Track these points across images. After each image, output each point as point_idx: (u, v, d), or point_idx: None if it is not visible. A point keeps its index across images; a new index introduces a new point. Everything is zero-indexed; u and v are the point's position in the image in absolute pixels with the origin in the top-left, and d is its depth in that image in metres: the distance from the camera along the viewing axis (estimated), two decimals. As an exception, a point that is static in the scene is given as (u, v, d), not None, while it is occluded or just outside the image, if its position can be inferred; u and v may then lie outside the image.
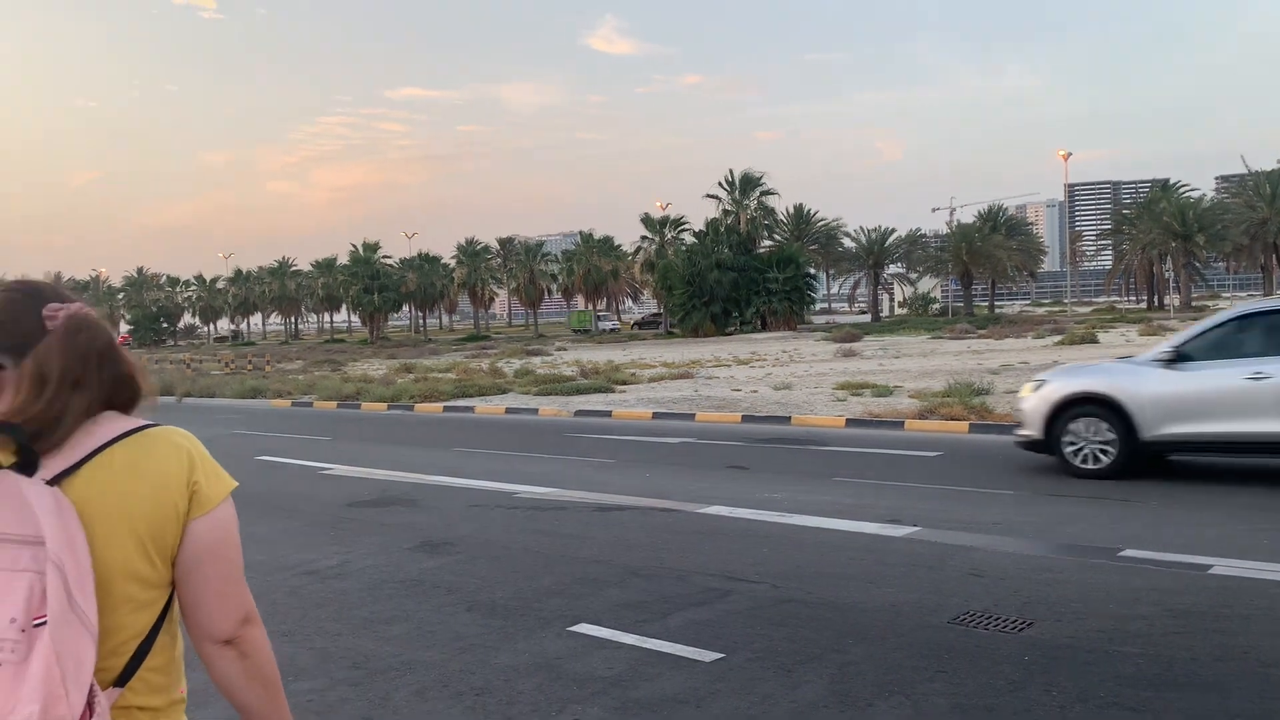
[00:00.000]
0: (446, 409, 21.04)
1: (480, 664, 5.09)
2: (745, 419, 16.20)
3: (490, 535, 8.21)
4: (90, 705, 1.37)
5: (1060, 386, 9.93)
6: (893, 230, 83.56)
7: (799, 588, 6.30)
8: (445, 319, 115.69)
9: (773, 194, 68.66)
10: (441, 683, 4.85)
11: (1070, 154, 65.53)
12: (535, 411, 19.36)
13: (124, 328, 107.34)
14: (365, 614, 6.06)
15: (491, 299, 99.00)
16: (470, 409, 20.58)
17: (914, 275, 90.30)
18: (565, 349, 49.16)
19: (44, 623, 1.33)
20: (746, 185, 67.78)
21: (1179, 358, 9.31)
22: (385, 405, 22.32)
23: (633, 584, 6.50)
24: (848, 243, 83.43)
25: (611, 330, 79.72)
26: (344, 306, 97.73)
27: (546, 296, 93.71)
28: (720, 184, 68.53)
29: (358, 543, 8.10)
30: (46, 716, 1.30)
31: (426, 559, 7.44)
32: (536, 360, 37.59)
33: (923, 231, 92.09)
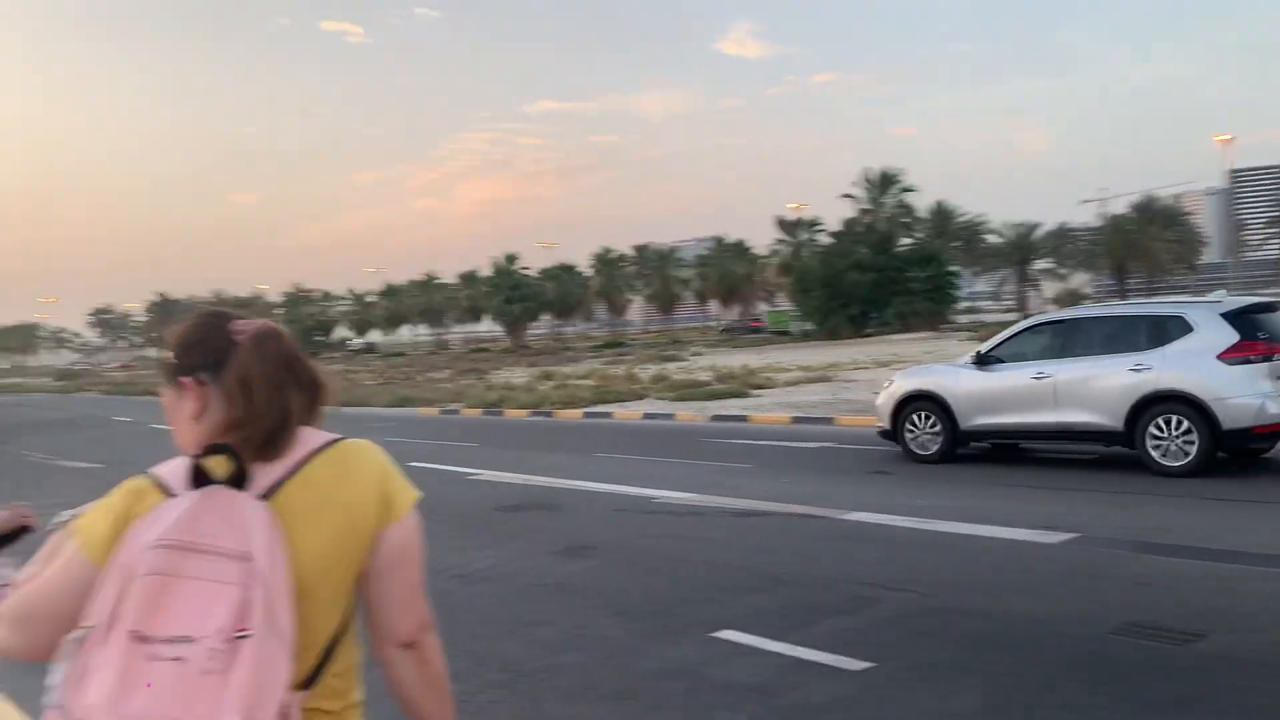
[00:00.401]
0: (586, 415, 21.34)
1: (625, 668, 5.13)
2: (887, 422, 15.84)
3: (631, 540, 8.28)
4: (284, 716, 1.43)
5: (901, 385, 11.93)
6: (1039, 224, 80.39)
7: (949, 596, 6.12)
8: (582, 326, 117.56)
9: (911, 190, 67.13)
10: (588, 686, 4.91)
11: (1231, 138, 61.76)
12: (672, 416, 19.43)
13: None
14: (513, 617, 6.20)
15: (627, 306, 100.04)
16: (609, 414, 20.81)
17: (1063, 271, 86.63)
18: (700, 354, 49.18)
19: (247, 635, 1.39)
20: (884, 183, 66.46)
21: (987, 360, 11.16)
22: (527, 412, 22.79)
23: (775, 590, 6.44)
24: (992, 238, 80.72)
25: (749, 333, 79.26)
26: (487, 317, 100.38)
27: (680, 302, 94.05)
28: (856, 183, 67.43)
29: (504, 547, 8.29)
30: None
31: (570, 563, 7.56)
32: (672, 366, 37.70)
33: (1071, 225, 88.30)
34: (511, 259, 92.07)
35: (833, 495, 9.64)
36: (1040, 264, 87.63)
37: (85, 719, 1.38)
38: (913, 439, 11.58)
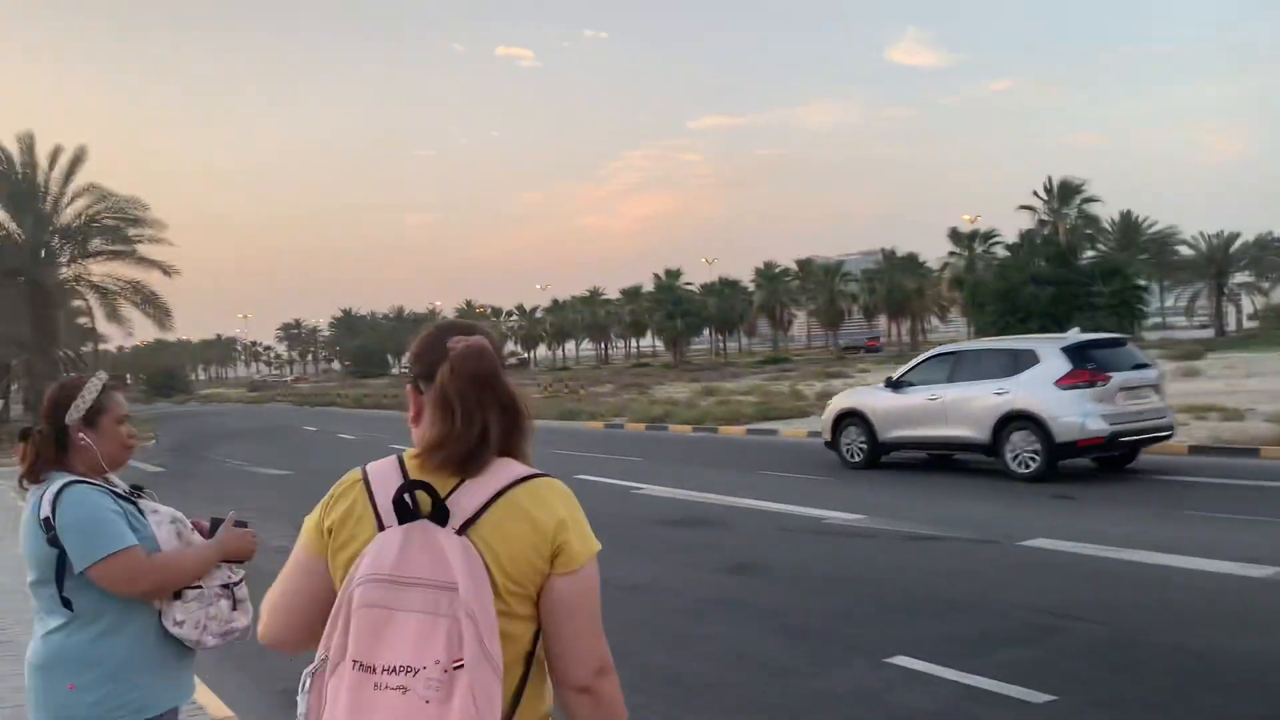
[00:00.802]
0: (749, 431, 21.22)
1: (793, 690, 5.05)
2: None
3: (799, 560, 8.15)
4: None
5: (838, 403, 14.50)
6: (1238, 234, 75.19)
7: (1139, 629, 5.75)
8: (744, 342, 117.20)
9: (1094, 201, 63.87)
10: (754, 705, 4.86)
11: None
12: (840, 434, 19.07)
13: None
14: (679, 632, 6.20)
15: (790, 321, 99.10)
16: (774, 431, 20.63)
17: (1265, 284, 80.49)
18: (868, 370, 48.21)
19: (461, 666, 1.44)
20: (1065, 193, 63.56)
21: (899, 384, 13.42)
22: (691, 428, 22.86)
23: (950, 616, 6.21)
24: (1184, 250, 75.96)
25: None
26: (649, 332, 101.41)
27: (847, 317, 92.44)
28: (1035, 193, 64.69)
29: (668, 561, 8.32)
30: None
31: (735, 581, 7.51)
32: (837, 382, 37.09)
33: (1275, 235, 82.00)
34: (674, 274, 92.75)
35: (1009, 520, 9.24)
36: (1239, 277, 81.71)
37: None
38: (846, 448, 13.97)
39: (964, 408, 12.31)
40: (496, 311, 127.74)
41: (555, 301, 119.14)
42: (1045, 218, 64.19)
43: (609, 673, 1.67)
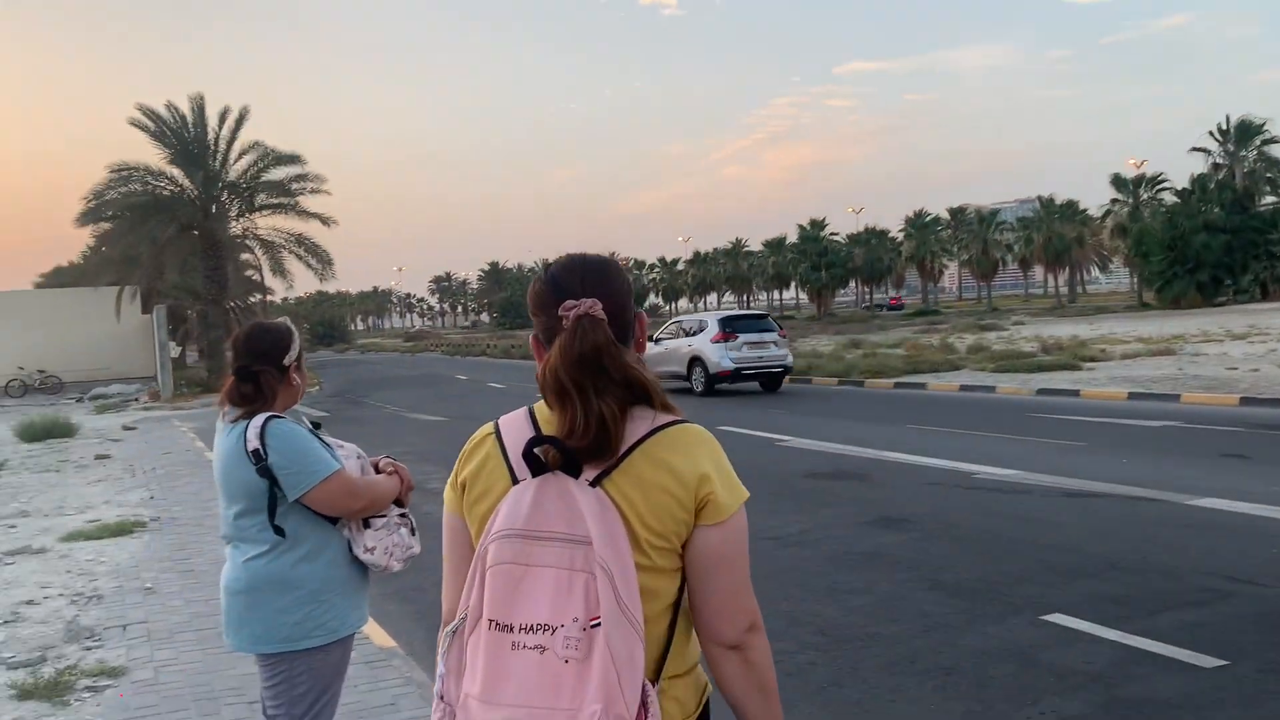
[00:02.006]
0: (897, 385, 20.82)
1: (947, 644, 5.00)
2: (1244, 401, 14.26)
3: (949, 515, 8.01)
4: (644, 704, 1.42)
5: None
6: None
7: (1322, 597, 5.44)
8: (891, 294, 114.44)
9: (1276, 142, 59.41)
10: (908, 659, 4.84)
11: None
12: (992, 389, 18.53)
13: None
14: (827, 583, 6.21)
15: (941, 272, 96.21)
16: (922, 385, 20.19)
17: None
18: (1023, 323, 46.46)
19: (599, 624, 1.39)
20: (1243, 134, 59.28)
21: (656, 340, 20.70)
22: (836, 380, 22.58)
23: (1112, 577, 6.01)
24: (1378, 194, 69.85)
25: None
26: (793, 284, 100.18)
27: (1001, 268, 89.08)
28: (1211, 134, 60.59)
29: (815, 514, 8.30)
30: (608, 715, 1.37)
31: (884, 534, 7.45)
32: (991, 335, 35.89)
33: None
34: (818, 224, 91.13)
35: (1177, 478, 8.82)
36: None
37: (463, 707, 1.46)
38: (695, 380, 20.49)
39: (675, 354, 20.41)
40: (640, 264, 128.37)
41: (697, 254, 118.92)
42: (1220, 161, 60.19)
43: (759, 629, 1.59)
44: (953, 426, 13.45)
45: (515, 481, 1.52)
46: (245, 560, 2.74)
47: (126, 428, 20.54)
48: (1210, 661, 4.54)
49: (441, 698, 1.53)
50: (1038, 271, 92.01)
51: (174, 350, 36.58)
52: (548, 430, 1.54)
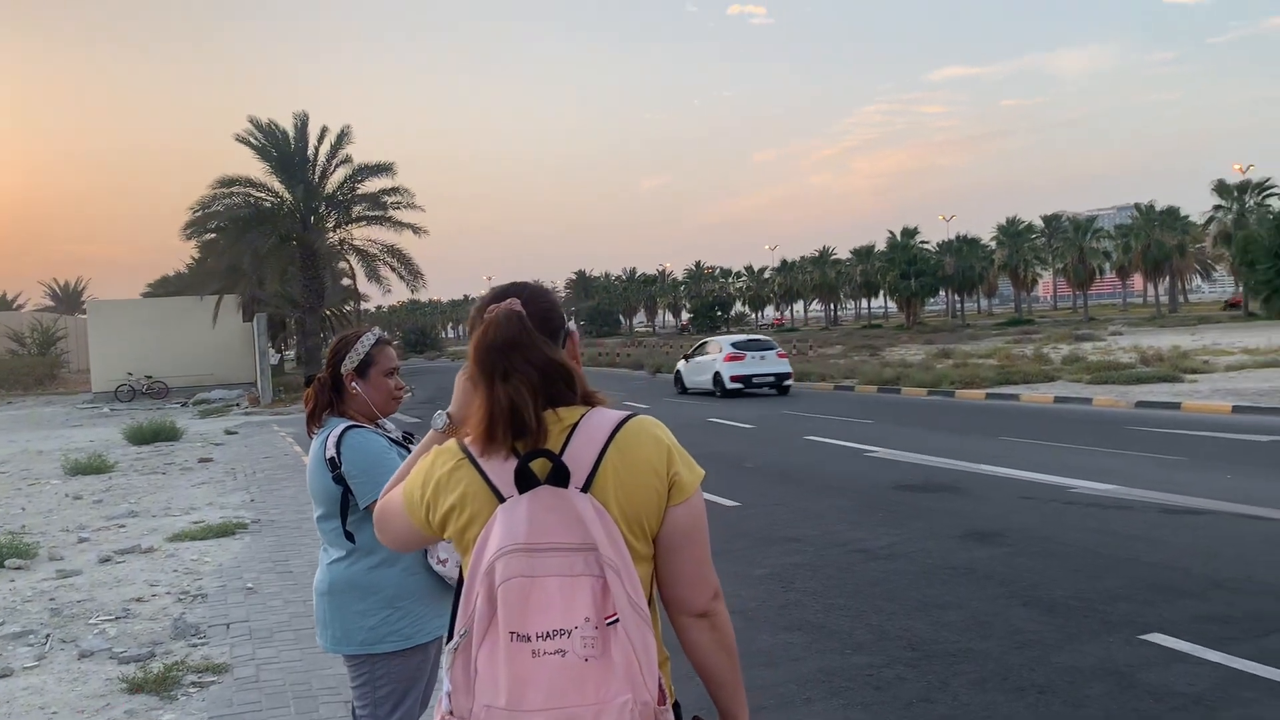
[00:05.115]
0: (989, 396, 20.40)
1: (1040, 661, 4.90)
2: (1359, 416, 13.62)
3: (1044, 529, 7.83)
4: (660, 688, 1.54)
5: (678, 365, 27.65)
6: None
7: None
8: (983, 303, 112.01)
9: (1395, 144, 56.47)
10: (1000, 675, 4.75)
11: None
12: (1088, 401, 18.03)
13: (684, 316, 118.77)
14: (918, 597, 6.12)
15: (1035, 281, 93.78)
16: (1015, 396, 19.75)
17: None
18: (1120, 333, 45.05)
19: (615, 620, 1.49)
20: (1358, 136, 56.48)
21: (688, 358, 26.58)
22: (925, 391, 22.23)
23: (1216, 596, 5.81)
24: None
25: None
26: (881, 292, 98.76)
27: (1098, 277, 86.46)
28: (1321, 138, 57.89)
29: (906, 526, 8.19)
30: (636, 702, 1.48)
31: (977, 548, 7.31)
32: (1087, 346, 34.89)
33: None
34: (909, 232, 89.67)
35: (1287, 496, 8.48)
36: None
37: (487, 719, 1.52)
38: (675, 387, 26.85)
39: (704, 369, 25.22)
40: (725, 273, 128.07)
41: (784, 262, 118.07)
42: (1335, 164, 57.29)
43: (721, 596, 1.72)
44: (1047, 439, 13.13)
45: (501, 499, 1.59)
46: (329, 563, 2.84)
47: (228, 432, 21.27)
48: (1321, 687, 4.36)
49: (451, 713, 1.58)
50: (1136, 280, 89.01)
51: (273, 357, 37.71)
52: (476, 429, 1.63)
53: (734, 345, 24.87)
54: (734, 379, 23.96)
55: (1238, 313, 64.00)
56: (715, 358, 24.74)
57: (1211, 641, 5.00)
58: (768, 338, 27.14)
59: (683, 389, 26.11)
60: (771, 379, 24.37)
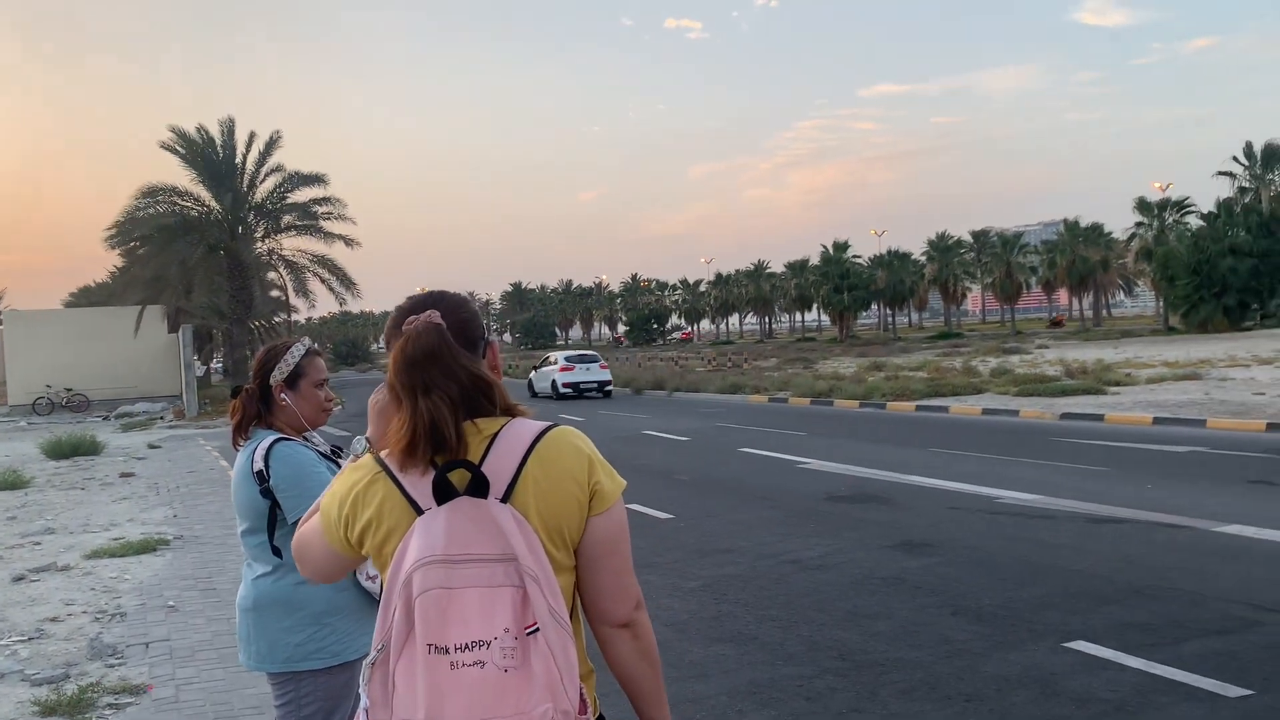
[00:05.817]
0: (919, 408, 20.73)
1: (969, 670, 4.96)
2: (1271, 427, 14.10)
3: (972, 540, 7.96)
4: (582, 698, 1.54)
5: (531, 374, 35.09)
6: None
7: (1351, 627, 5.36)
8: (914, 317, 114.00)
9: (1304, 166, 58.85)
10: (929, 684, 4.80)
11: None
12: (1015, 413, 18.42)
13: (620, 329, 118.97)
14: (849, 607, 6.17)
15: (964, 295, 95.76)
16: (944, 409, 20.09)
17: None
18: (1046, 346, 46.16)
19: (535, 630, 1.47)
20: (1270, 157, 58.84)
21: (537, 368, 33.85)
22: (857, 403, 22.51)
23: (1136, 604, 5.95)
24: None
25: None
26: (815, 306, 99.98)
27: (1025, 291, 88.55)
28: (1236, 159, 60.22)
29: (837, 536, 8.26)
30: (556, 710, 1.47)
31: (906, 558, 7.40)
32: (1014, 359, 35.65)
33: None
34: (841, 247, 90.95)
35: (1203, 505, 8.73)
36: None
37: None
38: (530, 392, 32.64)
39: (545, 378, 30.98)
40: (661, 285, 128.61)
41: (719, 275, 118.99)
42: (1246, 185, 59.71)
43: (643, 606, 1.71)
44: (975, 450, 13.37)
45: (420, 511, 1.56)
46: (254, 579, 2.77)
47: (152, 446, 20.74)
48: (1235, 691, 4.48)
49: None
50: (1062, 295, 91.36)
51: (199, 369, 36.91)
52: (396, 444, 1.59)
53: (566, 359, 31.67)
54: (565, 385, 30.43)
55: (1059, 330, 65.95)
56: (553, 369, 31.26)
57: (1132, 648, 5.11)
58: (594, 353, 34.39)
59: (533, 393, 32.37)
60: (595, 385, 30.81)
